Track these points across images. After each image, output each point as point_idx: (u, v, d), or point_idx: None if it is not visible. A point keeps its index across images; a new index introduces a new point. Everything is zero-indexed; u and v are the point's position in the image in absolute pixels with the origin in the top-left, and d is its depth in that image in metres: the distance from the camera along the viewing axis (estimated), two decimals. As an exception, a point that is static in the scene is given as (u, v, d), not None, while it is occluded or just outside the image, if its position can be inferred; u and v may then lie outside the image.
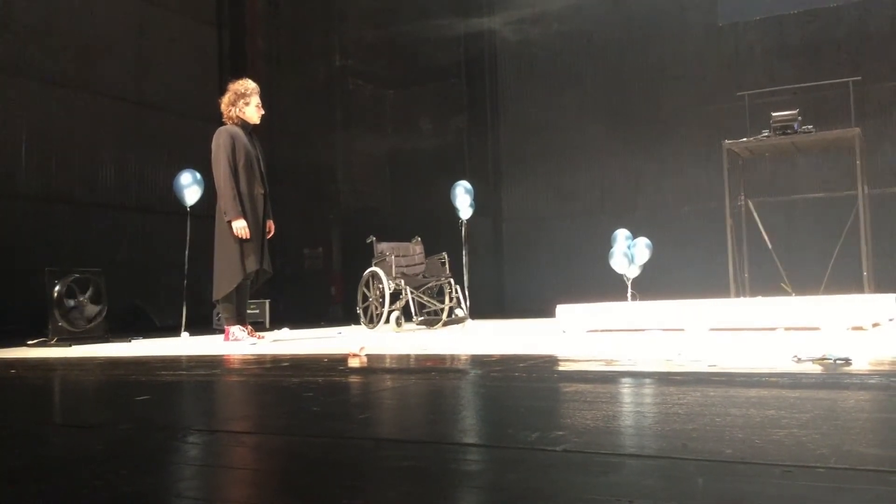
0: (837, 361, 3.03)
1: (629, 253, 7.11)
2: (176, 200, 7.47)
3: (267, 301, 9.28)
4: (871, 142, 7.16)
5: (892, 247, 7.60)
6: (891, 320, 5.26)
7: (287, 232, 8.14)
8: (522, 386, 2.86)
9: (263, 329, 7.99)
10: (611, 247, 7.23)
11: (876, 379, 2.80)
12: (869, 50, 8.78)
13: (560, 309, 6.03)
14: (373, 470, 1.62)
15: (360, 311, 7.42)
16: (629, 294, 7.11)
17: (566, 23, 10.62)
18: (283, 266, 10.33)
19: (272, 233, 6.33)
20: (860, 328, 4.81)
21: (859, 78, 7.92)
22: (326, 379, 3.32)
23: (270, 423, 2.33)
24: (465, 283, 7.74)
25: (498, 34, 11.33)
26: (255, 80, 6.37)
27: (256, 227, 6.10)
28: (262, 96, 6.35)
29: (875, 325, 4.89)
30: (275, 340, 6.34)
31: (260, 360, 4.45)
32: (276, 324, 8.64)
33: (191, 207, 7.35)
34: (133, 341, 6.65)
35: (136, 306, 10.02)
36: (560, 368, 3.57)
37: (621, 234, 7.28)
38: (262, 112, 6.27)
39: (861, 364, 3.11)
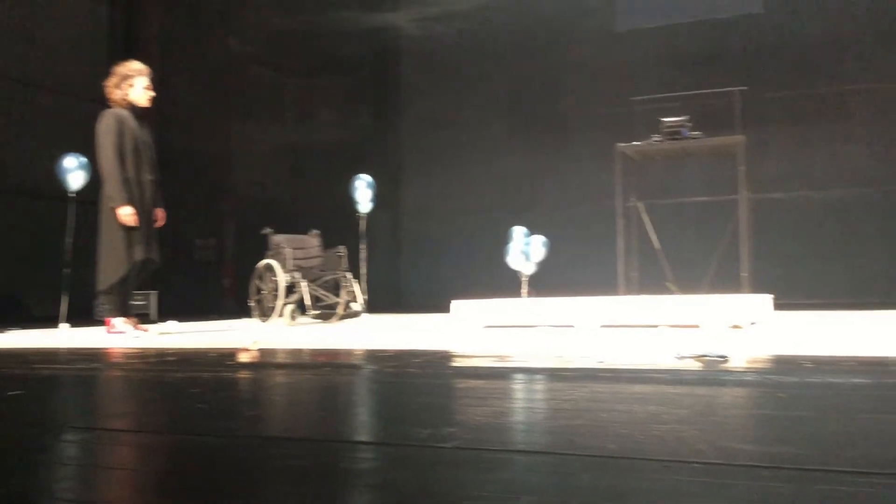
0: (716, 359, 3.17)
1: (525, 250, 7.24)
2: (59, 185, 7.12)
3: (154, 292, 8.97)
4: (754, 149, 7.51)
5: (769, 249, 8.01)
6: (755, 322, 5.52)
7: (178, 221, 7.88)
8: (416, 382, 2.86)
9: (149, 322, 7.72)
10: (508, 244, 7.33)
11: (751, 376, 2.94)
12: (756, 62, 9.22)
13: (455, 304, 6.07)
14: (259, 470, 1.58)
15: (252, 304, 7.26)
16: (524, 291, 7.24)
17: (471, 22, 10.71)
18: (173, 256, 10.00)
19: (161, 221, 6.11)
20: (738, 326, 5.05)
21: (746, 88, 8.31)
22: (214, 374, 3.23)
23: (152, 421, 2.24)
24: (363, 278, 7.70)
25: (403, 30, 11.31)
26: (147, 64, 6.13)
27: (144, 214, 5.88)
28: (156, 80, 6.12)
29: (752, 323, 5.15)
30: (161, 334, 6.14)
31: (144, 355, 4.29)
32: (164, 316, 8.36)
33: (75, 192, 7.02)
34: (7, 332, 6.29)
35: (11, 295, 9.49)
36: (454, 364, 3.59)
37: (518, 232, 7.40)
38: (152, 94, 6.04)
39: (738, 361, 3.26)
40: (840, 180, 8.86)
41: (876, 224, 8.64)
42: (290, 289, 7.04)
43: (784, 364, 3.17)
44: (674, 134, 7.09)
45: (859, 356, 3.33)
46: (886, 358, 3.18)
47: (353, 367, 3.53)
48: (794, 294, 7.52)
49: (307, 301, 7.06)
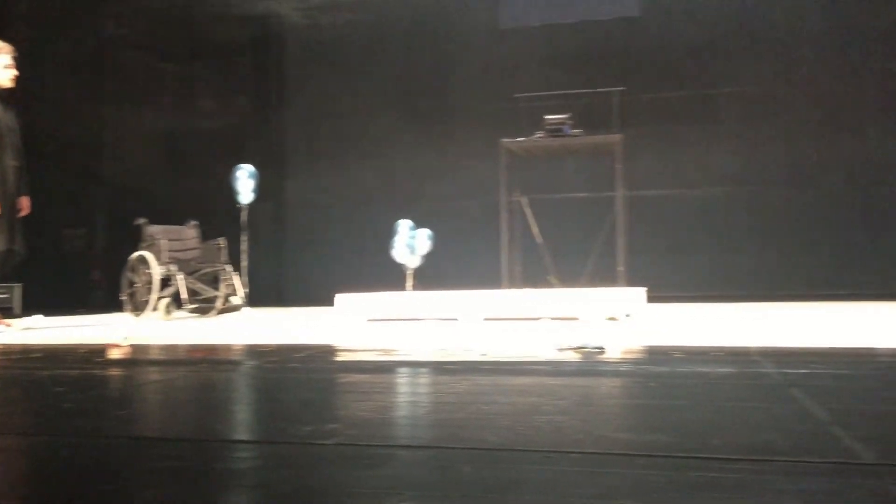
0: (594, 350, 3.26)
1: (411, 243, 7.24)
2: None
3: (18, 285, 8.45)
4: (631, 148, 7.77)
5: (644, 244, 8.32)
6: (630, 314, 5.72)
7: (45, 210, 7.42)
8: (298, 377, 2.80)
9: (13, 316, 7.26)
10: (393, 237, 7.32)
11: (627, 366, 3.04)
12: (634, 63, 9.54)
13: (339, 298, 6.01)
14: (127, 472, 1.50)
15: (124, 298, 6.95)
16: (409, 284, 7.24)
17: (358, 13, 10.60)
18: (39, 247, 9.45)
19: (26, 210, 5.75)
20: (614, 319, 5.23)
21: (624, 88, 8.57)
22: (82, 372, 3.06)
23: (13, 422, 2.10)
24: (243, 270, 7.50)
25: (287, 17, 11.07)
26: (14, 45, 5.74)
27: (7, 203, 5.51)
28: (23, 63, 5.74)
29: (627, 315, 5.34)
30: (25, 329, 5.79)
31: (7, 351, 4.03)
32: (28, 310, 7.87)
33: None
34: None
35: None
36: (337, 359, 3.55)
37: (403, 225, 7.39)
38: (14, 74, 5.66)
39: (614, 352, 3.37)
40: (709, 179, 9.30)
41: (742, 221, 9.12)
42: (166, 282, 6.77)
43: (657, 354, 3.30)
44: (556, 131, 7.26)
45: (726, 346, 3.50)
46: (749, 348, 3.36)
47: (232, 363, 3.42)
48: (666, 287, 7.84)
49: (183, 295, 6.82)
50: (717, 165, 9.30)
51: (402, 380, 2.80)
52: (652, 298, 5.78)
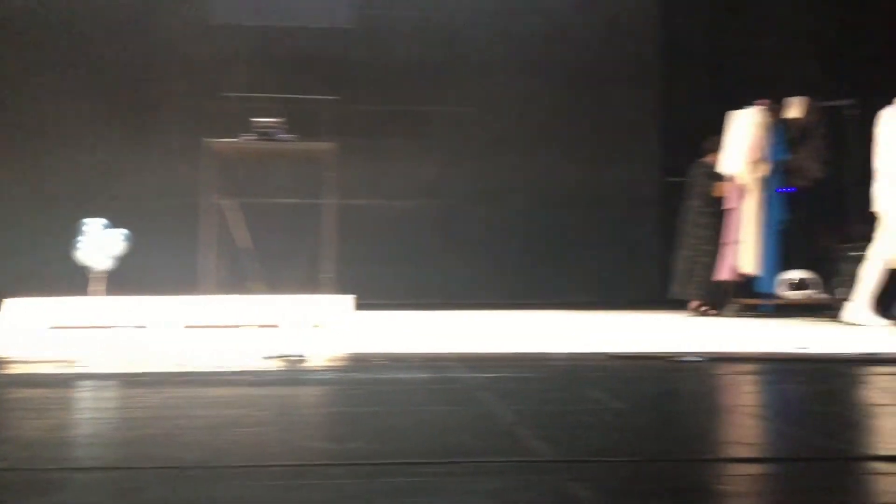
0: (297, 358, 3.23)
1: (100, 245, 6.66)
2: None
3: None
4: (342, 156, 7.85)
5: (352, 252, 8.44)
6: (336, 322, 5.78)
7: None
8: (-44, 394, 2.44)
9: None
10: (80, 237, 6.69)
11: (330, 374, 3.06)
12: (347, 74, 9.67)
13: (8, 303, 5.36)
14: None
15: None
16: (96, 288, 6.67)
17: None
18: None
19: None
20: (320, 326, 5.24)
21: (338, 97, 8.64)
22: None
23: None
24: None
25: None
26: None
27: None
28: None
29: (333, 323, 5.37)
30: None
31: None
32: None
33: None
34: None
35: None
36: (6, 372, 3.15)
37: (93, 224, 6.79)
38: None
39: (318, 360, 3.37)
40: (415, 191, 9.70)
41: (443, 232, 9.63)
42: None
43: (360, 362, 3.35)
44: (266, 134, 7.12)
45: (424, 353, 3.65)
46: (445, 354, 3.54)
47: None
48: (373, 295, 8.03)
49: None
50: (422, 178, 9.74)
51: (86, 394, 2.55)
52: (359, 306, 5.88)
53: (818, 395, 2.58)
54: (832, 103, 7.19)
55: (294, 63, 9.69)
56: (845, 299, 5.99)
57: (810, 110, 6.73)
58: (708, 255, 6.95)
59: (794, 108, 6.70)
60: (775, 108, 6.77)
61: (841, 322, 5.47)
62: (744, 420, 2.07)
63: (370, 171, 9.63)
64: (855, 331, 5.04)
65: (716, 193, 6.97)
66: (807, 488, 1.39)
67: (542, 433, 1.77)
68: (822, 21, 9.30)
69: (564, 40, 9.89)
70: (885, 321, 5.33)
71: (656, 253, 9.96)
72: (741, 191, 6.73)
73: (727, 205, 6.86)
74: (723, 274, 6.77)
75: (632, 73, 9.98)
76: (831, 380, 2.91)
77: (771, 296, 6.55)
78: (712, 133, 8.02)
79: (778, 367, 3.19)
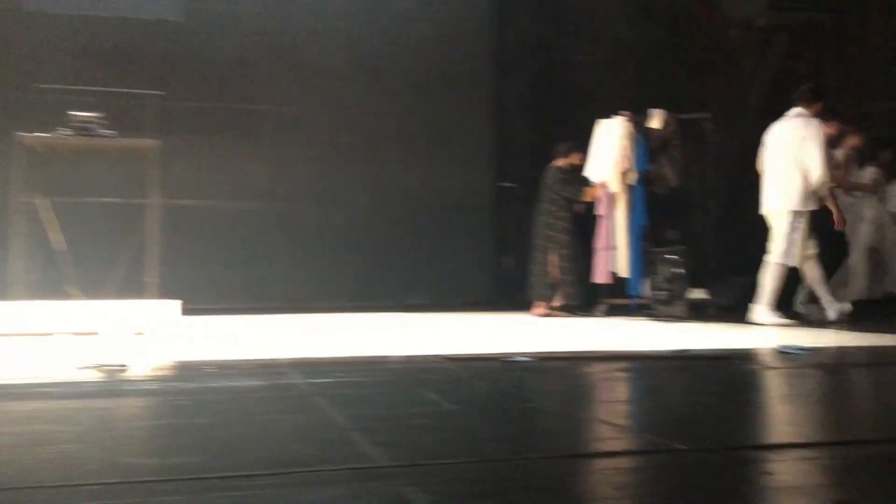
0: (117, 368, 3.04)
1: None
2: None
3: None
4: (169, 155, 7.49)
5: (179, 255, 8.08)
6: (161, 328, 5.51)
7: None
8: None
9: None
10: None
11: (154, 384, 2.89)
12: (174, 69, 9.24)
13: None
14: None
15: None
16: None
17: None
18: None
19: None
20: (142, 333, 4.96)
21: (164, 94, 8.25)
22: None
23: None
24: None
25: None
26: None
27: None
28: None
29: (158, 329, 5.11)
30: None
31: None
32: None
33: None
34: None
35: None
36: None
37: None
38: None
39: (141, 370, 3.19)
40: (248, 192, 9.44)
41: (277, 235, 9.43)
42: None
43: (188, 370, 3.19)
44: (84, 129, 6.66)
45: (257, 359, 3.54)
46: (279, 360, 3.45)
47: None
48: (204, 299, 7.73)
49: None
50: (255, 179, 9.49)
51: None
52: (188, 311, 5.63)
53: (639, 389, 2.73)
54: (689, 116, 7.72)
55: (116, 55, 9.16)
56: (663, 299, 6.41)
57: (668, 122, 7.15)
58: (567, 259, 7.17)
59: (655, 120, 7.10)
60: (638, 119, 7.12)
61: (749, 322, 5.67)
62: (567, 418, 2.14)
63: (198, 171, 9.26)
64: (690, 329, 5.37)
65: (587, 198, 7.19)
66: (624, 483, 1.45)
67: (378, 438, 1.76)
68: (644, 35, 9.92)
69: (400, 44, 9.96)
70: (787, 320, 5.60)
71: (492, 256, 10.24)
72: (611, 198, 7.02)
73: (597, 211, 7.12)
74: (598, 277, 7.05)
75: (466, 78, 10.21)
76: (655, 375, 3.09)
77: (639, 297, 6.92)
78: (544, 139, 8.36)
79: (604, 366, 3.34)
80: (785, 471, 1.50)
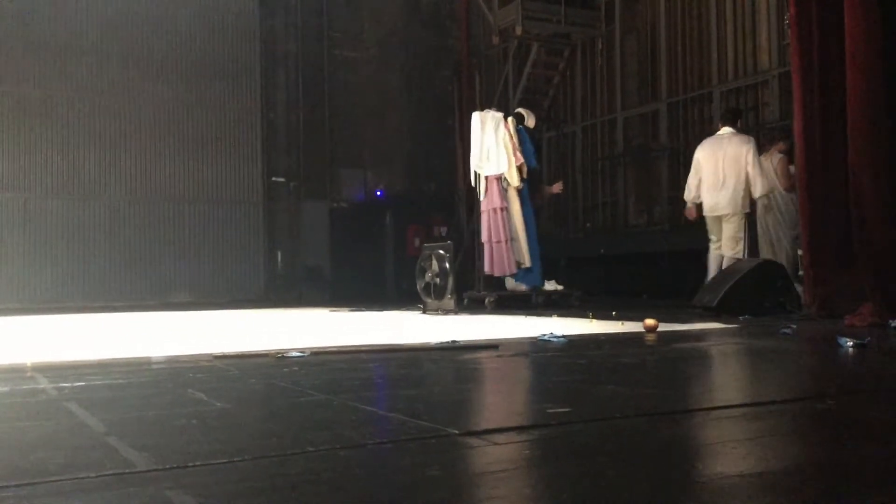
0: None
1: None
2: None
3: None
4: None
5: None
6: None
7: None
8: None
9: None
10: None
11: None
12: None
13: None
14: None
15: None
16: None
17: None
18: None
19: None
20: None
21: None
22: None
23: None
24: None
25: None
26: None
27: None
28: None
29: None
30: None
31: None
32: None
33: None
34: None
35: None
36: None
37: None
38: None
39: None
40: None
41: (17, 229, 8.60)
42: None
43: None
44: None
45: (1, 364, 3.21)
46: (23, 364, 3.14)
47: None
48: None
49: None
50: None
51: None
52: None
53: (403, 379, 2.79)
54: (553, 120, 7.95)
55: None
56: (434, 293, 6.61)
57: (537, 124, 7.39)
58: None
59: (530, 119, 7.29)
60: (518, 116, 7.24)
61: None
62: (344, 408, 2.14)
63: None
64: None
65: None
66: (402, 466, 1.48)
67: (139, 442, 1.65)
68: (411, 35, 10.14)
69: (167, 32, 9.44)
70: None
71: (263, 252, 9.99)
72: (505, 192, 6.99)
73: (491, 204, 7.01)
74: (496, 270, 7.01)
75: (235, 71, 9.89)
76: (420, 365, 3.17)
77: (536, 289, 7.14)
78: (312, 133, 8.29)
79: (375, 358, 3.38)
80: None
